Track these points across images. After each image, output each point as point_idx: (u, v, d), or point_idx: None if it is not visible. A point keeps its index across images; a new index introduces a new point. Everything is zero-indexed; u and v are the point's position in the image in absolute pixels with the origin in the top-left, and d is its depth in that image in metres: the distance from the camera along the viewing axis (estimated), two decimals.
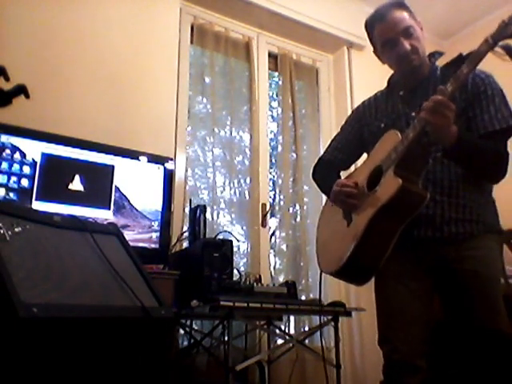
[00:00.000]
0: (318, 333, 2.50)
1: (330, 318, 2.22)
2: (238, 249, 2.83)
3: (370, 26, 1.65)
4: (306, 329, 2.80)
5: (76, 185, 2.10)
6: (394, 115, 1.64)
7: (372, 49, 1.70)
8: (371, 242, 1.45)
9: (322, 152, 3.30)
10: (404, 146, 1.43)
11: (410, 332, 1.47)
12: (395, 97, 1.67)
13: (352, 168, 1.92)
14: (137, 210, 2.22)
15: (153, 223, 2.25)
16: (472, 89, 1.53)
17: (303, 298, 2.83)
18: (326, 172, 1.81)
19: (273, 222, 3.08)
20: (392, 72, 1.73)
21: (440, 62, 1.66)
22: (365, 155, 1.78)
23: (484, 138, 1.48)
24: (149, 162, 2.32)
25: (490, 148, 1.48)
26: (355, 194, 1.53)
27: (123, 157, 2.25)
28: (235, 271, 2.29)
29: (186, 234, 2.49)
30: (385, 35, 1.58)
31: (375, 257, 1.45)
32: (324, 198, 3.28)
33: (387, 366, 1.50)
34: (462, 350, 1.48)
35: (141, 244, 2.18)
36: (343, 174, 1.80)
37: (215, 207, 2.81)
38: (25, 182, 1.99)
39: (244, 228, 2.93)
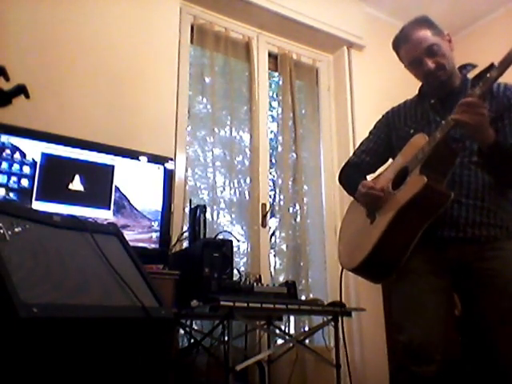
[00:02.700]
0: (318, 333, 2.52)
1: (330, 317, 2.22)
2: (238, 249, 2.83)
3: (396, 46, 1.71)
4: (306, 329, 2.80)
5: (76, 185, 2.10)
6: (423, 122, 1.68)
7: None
8: (393, 238, 1.49)
9: (322, 152, 3.35)
10: (431, 146, 1.47)
11: (427, 324, 1.49)
12: (425, 105, 1.71)
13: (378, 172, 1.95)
14: (137, 210, 2.22)
15: (153, 223, 2.25)
16: (503, 100, 1.57)
17: (303, 297, 2.83)
18: (353, 175, 1.84)
19: (273, 222, 3.08)
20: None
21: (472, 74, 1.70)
22: (391, 160, 1.82)
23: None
24: (149, 162, 2.32)
25: None
26: (380, 196, 1.57)
27: (123, 157, 2.25)
28: (235, 271, 2.29)
29: (186, 234, 2.49)
30: (409, 56, 1.64)
31: (396, 254, 1.48)
32: (324, 197, 3.30)
33: (403, 355, 1.52)
34: (476, 345, 1.50)
35: (141, 244, 2.18)
36: (369, 178, 1.82)
37: (215, 207, 2.81)
38: (25, 182, 1.99)
39: (244, 228, 2.93)
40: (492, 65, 1.52)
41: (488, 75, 1.39)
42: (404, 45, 1.65)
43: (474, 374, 1.52)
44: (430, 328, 1.49)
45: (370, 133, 1.90)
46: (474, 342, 1.52)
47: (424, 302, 1.52)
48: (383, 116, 1.88)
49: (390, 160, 1.83)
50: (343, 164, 1.96)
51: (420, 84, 1.78)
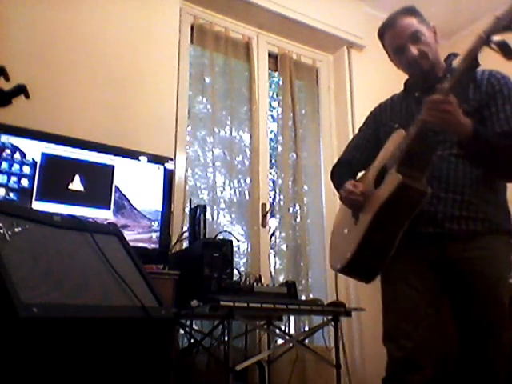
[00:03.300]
0: (318, 333, 2.52)
1: (330, 317, 2.22)
2: (238, 249, 2.83)
3: (381, 34, 1.70)
4: (306, 329, 2.80)
5: (76, 185, 2.10)
6: (408, 116, 1.64)
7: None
8: (375, 238, 1.47)
9: (322, 152, 3.35)
10: (406, 142, 1.46)
11: (415, 330, 1.47)
12: (410, 98, 1.69)
13: None
14: (137, 210, 2.22)
15: (153, 223, 2.25)
16: (487, 89, 1.54)
17: (303, 297, 2.83)
18: (342, 173, 1.83)
19: (273, 222, 3.08)
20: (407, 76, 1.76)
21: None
22: None
23: (499, 135, 1.47)
24: (149, 162, 2.32)
25: (508, 144, 1.45)
26: (358, 200, 1.56)
27: (123, 157, 2.25)
28: (235, 271, 2.29)
29: (186, 234, 2.49)
30: (394, 42, 1.63)
31: (379, 253, 1.47)
32: (324, 197, 3.30)
33: (390, 363, 1.51)
34: (464, 350, 1.48)
35: (141, 244, 2.18)
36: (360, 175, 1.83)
37: (215, 207, 2.81)
38: (25, 182, 1.99)
39: (244, 228, 2.93)
40: (453, 54, 1.56)
41: (455, 68, 1.39)
42: (389, 31, 1.64)
43: (467, 374, 1.49)
44: (417, 335, 1.46)
45: (360, 129, 1.90)
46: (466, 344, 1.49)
47: (410, 309, 1.49)
48: (371, 112, 1.87)
49: None
50: (335, 162, 1.95)
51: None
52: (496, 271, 1.46)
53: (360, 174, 1.83)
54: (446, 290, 1.53)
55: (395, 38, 1.62)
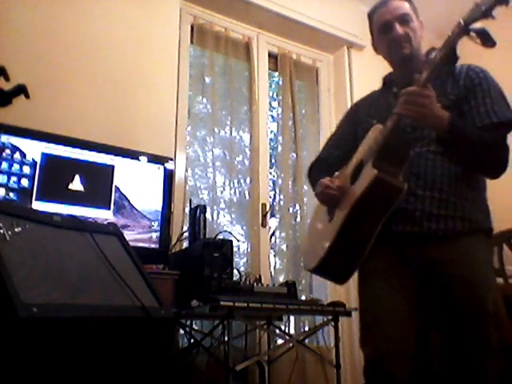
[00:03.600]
0: (318, 333, 2.52)
1: (330, 317, 2.22)
2: (238, 249, 2.83)
3: (372, 12, 1.66)
4: (306, 329, 2.80)
5: (76, 185, 2.10)
6: (386, 112, 1.54)
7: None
8: (349, 236, 1.41)
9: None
10: (383, 136, 1.42)
11: (391, 330, 1.39)
12: (389, 94, 1.64)
13: None
14: (137, 210, 2.22)
15: (153, 223, 2.25)
16: (465, 82, 1.50)
17: (303, 297, 2.83)
18: (319, 172, 1.76)
19: (273, 222, 3.08)
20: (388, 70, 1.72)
21: None
22: None
23: (480, 129, 1.42)
24: (149, 162, 2.32)
25: (488, 137, 1.41)
26: (334, 194, 1.50)
27: (123, 157, 2.25)
28: (235, 271, 2.29)
29: (186, 234, 2.49)
30: (381, 19, 1.60)
31: (354, 252, 1.41)
32: None
33: (367, 366, 1.43)
34: (446, 350, 1.43)
35: (141, 244, 2.18)
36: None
37: (215, 207, 2.81)
38: (25, 182, 1.99)
39: (244, 228, 2.93)
40: (434, 48, 1.51)
41: (432, 58, 1.36)
42: (379, 9, 1.61)
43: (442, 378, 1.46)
44: (393, 335, 1.39)
45: (337, 127, 1.85)
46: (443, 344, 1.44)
47: (386, 308, 1.42)
48: (349, 109, 1.85)
49: None
50: (313, 160, 1.88)
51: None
52: (477, 275, 1.40)
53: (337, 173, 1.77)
54: (425, 289, 1.46)
55: (384, 15, 1.59)
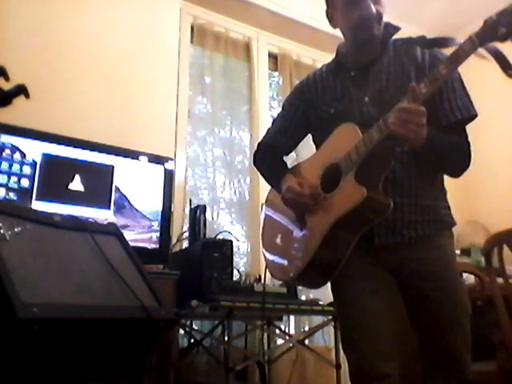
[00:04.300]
0: (318, 333, 2.52)
1: (329, 317, 2.22)
2: (238, 249, 2.84)
3: None
4: (306, 329, 2.80)
5: (76, 185, 2.10)
6: (345, 99, 1.45)
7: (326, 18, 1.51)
8: (331, 247, 1.36)
9: None
10: (367, 148, 1.30)
11: (377, 333, 1.36)
12: (345, 77, 1.47)
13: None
14: (137, 210, 2.22)
15: (153, 223, 2.25)
16: (430, 72, 1.32)
17: (303, 297, 2.83)
18: (270, 159, 1.66)
19: None
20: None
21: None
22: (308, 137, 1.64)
23: (445, 129, 1.36)
24: (149, 162, 2.32)
25: (458, 143, 1.38)
26: (309, 204, 1.40)
27: (123, 157, 2.25)
28: (235, 271, 2.29)
29: (186, 234, 2.49)
30: None
31: (334, 261, 1.37)
32: None
33: (354, 373, 1.38)
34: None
35: (141, 244, 2.18)
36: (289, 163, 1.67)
37: (215, 207, 2.81)
38: (25, 182, 1.99)
39: (244, 228, 2.93)
40: (423, 37, 1.38)
41: (436, 72, 1.20)
42: None
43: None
44: (378, 340, 1.35)
45: (283, 108, 1.67)
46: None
47: (367, 311, 1.37)
48: (297, 88, 1.63)
49: (309, 137, 1.62)
50: (257, 144, 1.72)
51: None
52: (449, 270, 1.40)
53: (288, 162, 1.67)
54: (400, 290, 1.43)
55: None
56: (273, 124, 1.71)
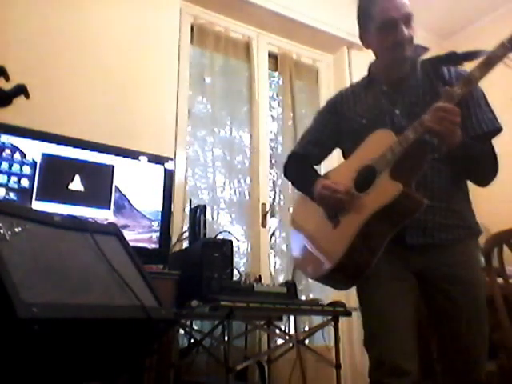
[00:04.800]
0: (318, 333, 2.52)
1: (329, 317, 2.22)
2: (238, 249, 2.84)
3: (368, 1, 1.57)
4: (306, 329, 2.80)
5: (76, 185, 2.10)
6: (376, 111, 1.55)
7: (360, 40, 1.64)
8: (363, 245, 1.40)
9: None
10: (403, 147, 1.37)
11: (399, 334, 1.41)
12: (377, 91, 1.58)
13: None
14: (137, 210, 2.22)
15: (153, 223, 2.25)
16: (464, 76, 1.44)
17: (303, 298, 2.83)
18: (301, 168, 1.71)
19: (273, 222, 3.08)
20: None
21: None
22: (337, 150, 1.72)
23: (473, 140, 1.44)
24: (149, 162, 2.32)
25: (488, 151, 1.46)
26: (345, 200, 1.46)
27: (123, 157, 2.25)
28: (235, 271, 2.29)
29: (186, 234, 2.49)
30: (386, 15, 1.48)
31: (365, 260, 1.40)
32: None
33: (376, 370, 1.42)
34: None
35: (141, 244, 2.18)
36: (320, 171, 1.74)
37: (215, 207, 2.81)
38: (25, 182, 1.99)
39: (244, 228, 2.93)
40: (454, 53, 1.46)
41: (469, 75, 1.30)
42: (383, 1, 1.49)
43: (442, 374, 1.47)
44: (401, 338, 1.40)
45: (315, 120, 1.75)
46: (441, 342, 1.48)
47: (392, 310, 1.43)
48: (330, 102, 1.74)
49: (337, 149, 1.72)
50: (287, 156, 1.80)
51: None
52: (476, 275, 1.47)
53: (322, 170, 1.73)
54: (421, 291, 1.48)
55: (390, 11, 1.47)
56: (303, 137, 1.78)
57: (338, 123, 1.66)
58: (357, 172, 1.48)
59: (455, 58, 1.47)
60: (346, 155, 1.65)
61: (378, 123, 1.51)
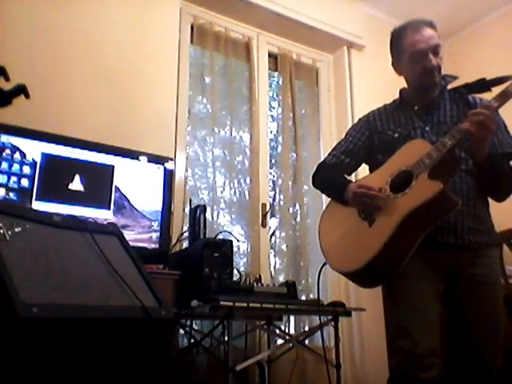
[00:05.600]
0: (318, 333, 2.51)
1: (330, 317, 2.22)
2: (238, 249, 2.83)
3: (400, 33, 1.72)
4: (306, 329, 2.80)
5: (76, 185, 2.10)
6: (408, 126, 1.70)
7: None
8: (398, 242, 1.49)
9: (322, 152, 3.35)
10: (441, 152, 1.49)
11: (431, 329, 1.52)
12: (408, 110, 1.73)
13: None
14: (137, 210, 2.22)
15: (153, 223, 2.25)
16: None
17: (303, 298, 2.83)
18: (333, 175, 1.82)
19: (273, 222, 3.08)
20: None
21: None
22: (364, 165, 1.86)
23: None
24: (149, 162, 2.32)
25: (509, 168, 1.61)
26: (381, 197, 1.56)
27: (123, 157, 2.25)
28: (235, 271, 2.29)
29: (186, 234, 2.49)
30: (416, 47, 1.64)
31: (398, 258, 1.50)
32: (324, 197, 3.28)
33: (405, 361, 1.50)
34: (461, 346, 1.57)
35: (141, 244, 2.18)
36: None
37: (215, 207, 2.81)
38: (25, 182, 1.99)
39: (244, 228, 2.93)
40: (483, 80, 1.61)
41: (506, 90, 1.45)
42: (413, 34, 1.66)
43: (459, 375, 1.57)
44: (432, 333, 1.51)
45: (349, 135, 1.87)
46: (459, 343, 1.58)
47: (425, 306, 1.54)
48: (363, 119, 1.87)
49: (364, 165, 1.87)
50: (317, 165, 1.91)
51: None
52: (497, 277, 1.63)
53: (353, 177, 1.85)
54: (445, 293, 1.59)
55: (420, 43, 1.63)
56: (334, 149, 1.89)
57: (370, 137, 1.79)
58: (392, 177, 1.59)
59: (485, 84, 1.61)
60: (373, 170, 1.76)
61: (409, 136, 1.65)
